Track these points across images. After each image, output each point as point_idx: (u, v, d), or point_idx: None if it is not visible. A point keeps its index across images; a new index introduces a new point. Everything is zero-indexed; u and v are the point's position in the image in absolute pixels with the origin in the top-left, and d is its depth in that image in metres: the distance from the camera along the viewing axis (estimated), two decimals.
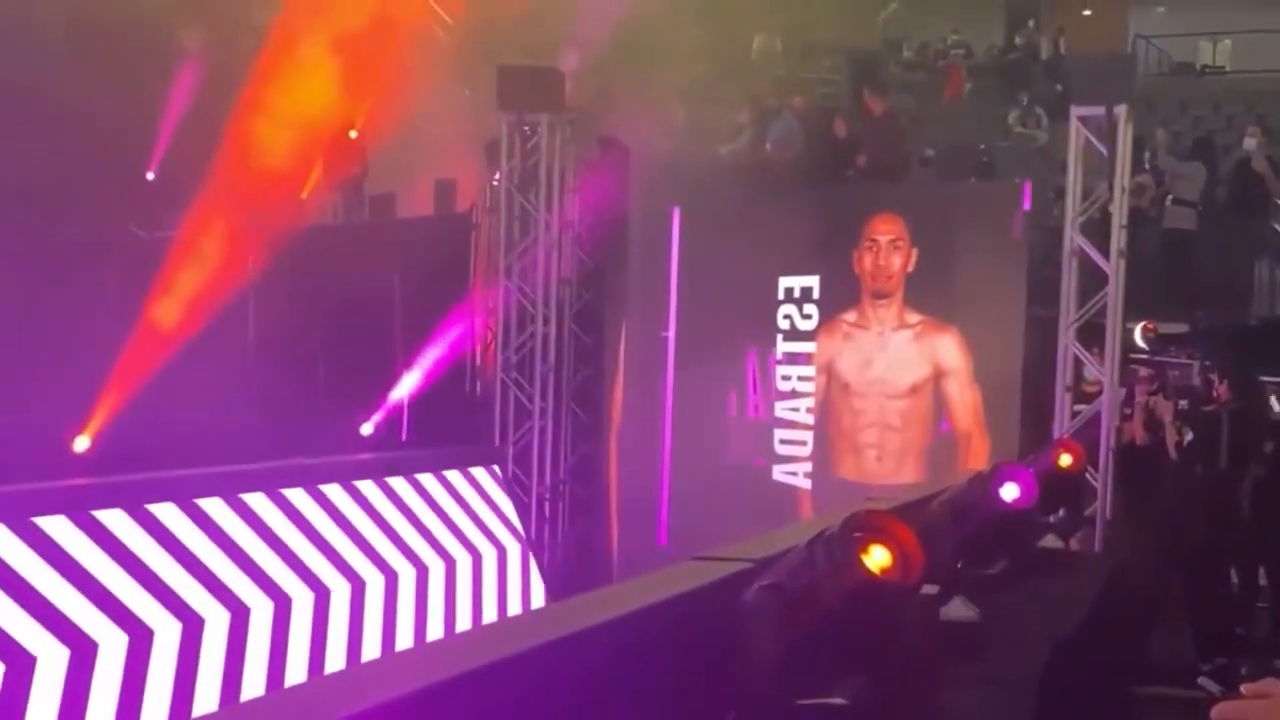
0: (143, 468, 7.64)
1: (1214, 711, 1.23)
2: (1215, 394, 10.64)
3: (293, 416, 11.58)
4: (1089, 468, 8.72)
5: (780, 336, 10.49)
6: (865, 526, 2.74)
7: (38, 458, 9.07)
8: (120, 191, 14.81)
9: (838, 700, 2.80)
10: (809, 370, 10.32)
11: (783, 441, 10.50)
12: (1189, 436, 10.05)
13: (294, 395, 11.82)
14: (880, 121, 12.45)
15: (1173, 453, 9.90)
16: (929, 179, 13.29)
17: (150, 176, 14.61)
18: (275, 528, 7.13)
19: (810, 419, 10.33)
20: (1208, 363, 11.04)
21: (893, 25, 22.38)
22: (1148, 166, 14.01)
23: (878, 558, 2.72)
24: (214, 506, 6.78)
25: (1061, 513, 6.24)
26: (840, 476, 10.08)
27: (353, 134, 13.82)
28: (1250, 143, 14.31)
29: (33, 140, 14.03)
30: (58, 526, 5.88)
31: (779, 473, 10.51)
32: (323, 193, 14.01)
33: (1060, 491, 6.04)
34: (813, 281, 10.35)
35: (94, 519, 6.09)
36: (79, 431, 9.99)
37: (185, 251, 11.49)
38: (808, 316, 10.38)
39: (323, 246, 11.88)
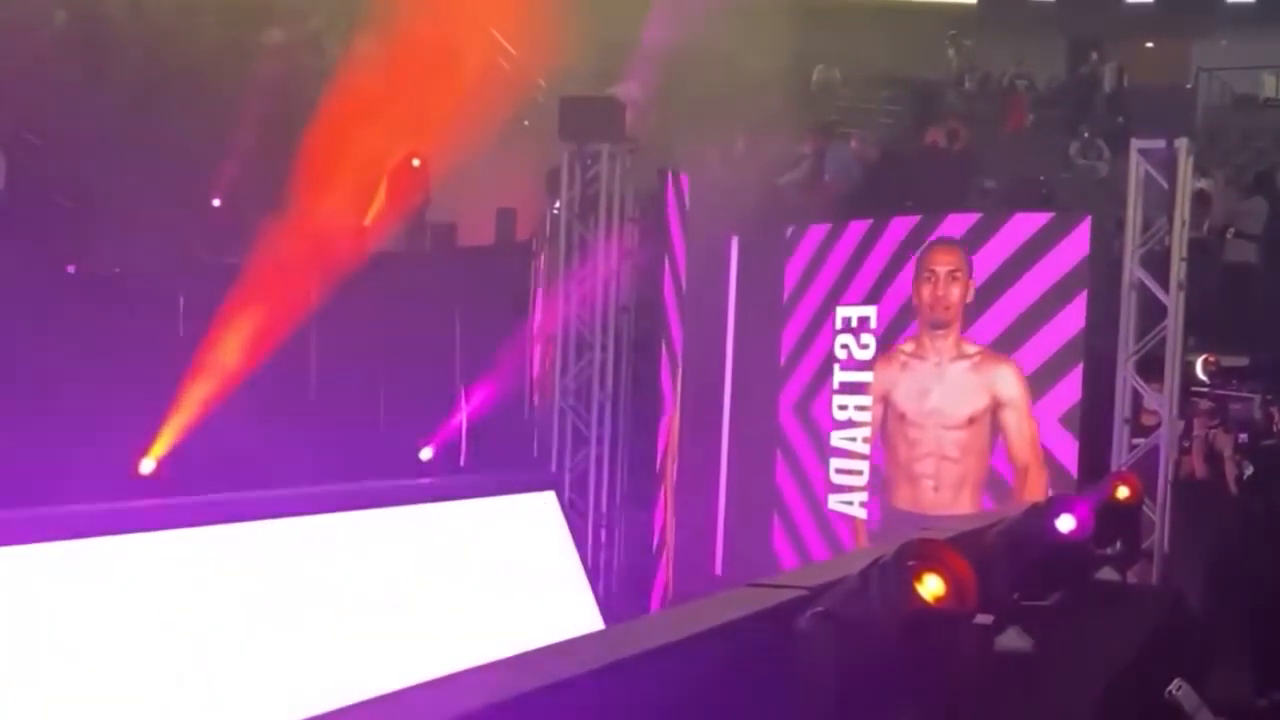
0: (206, 490, 7.76)
1: None
2: (1276, 428, 10.57)
3: (353, 441, 11.70)
4: (1147, 500, 8.68)
5: (837, 366, 10.52)
6: (920, 555, 2.78)
7: (104, 480, 9.21)
8: (188, 218, 15.04)
9: None
10: (866, 400, 10.33)
11: (838, 471, 10.51)
12: (1249, 470, 9.99)
13: (355, 420, 11.94)
14: (950, 150, 12.48)
15: (1232, 486, 9.84)
16: (990, 210, 13.27)
17: (216, 203, 14.83)
18: (330, 551, 7.22)
19: (866, 449, 10.34)
20: (1269, 397, 10.96)
21: (963, 58, 22.40)
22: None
23: (932, 586, 2.75)
24: (272, 529, 6.88)
25: (1118, 545, 6.23)
26: (896, 507, 10.07)
27: (416, 163, 13.98)
28: None
29: (103, 165, 14.29)
30: (122, 546, 5.99)
31: (835, 502, 10.51)
32: (386, 221, 14.17)
33: (1117, 524, 6.03)
34: (870, 311, 10.37)
35: (155, 539, 6.20)
36: (144, 454, 10.14)
37: (250, 278, 11.65)
38: (865, 346, 10.40)
39: (385, 274, 12.02)
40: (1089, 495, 5.71)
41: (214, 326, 11.06)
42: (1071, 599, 5.15)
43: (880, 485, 10.22)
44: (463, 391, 11.52)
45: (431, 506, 8.24)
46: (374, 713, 1.97)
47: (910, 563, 2.74)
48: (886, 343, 10.24)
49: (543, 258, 11.75)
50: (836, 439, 10.51)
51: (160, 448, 10.18)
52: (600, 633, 2.93)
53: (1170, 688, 3.74)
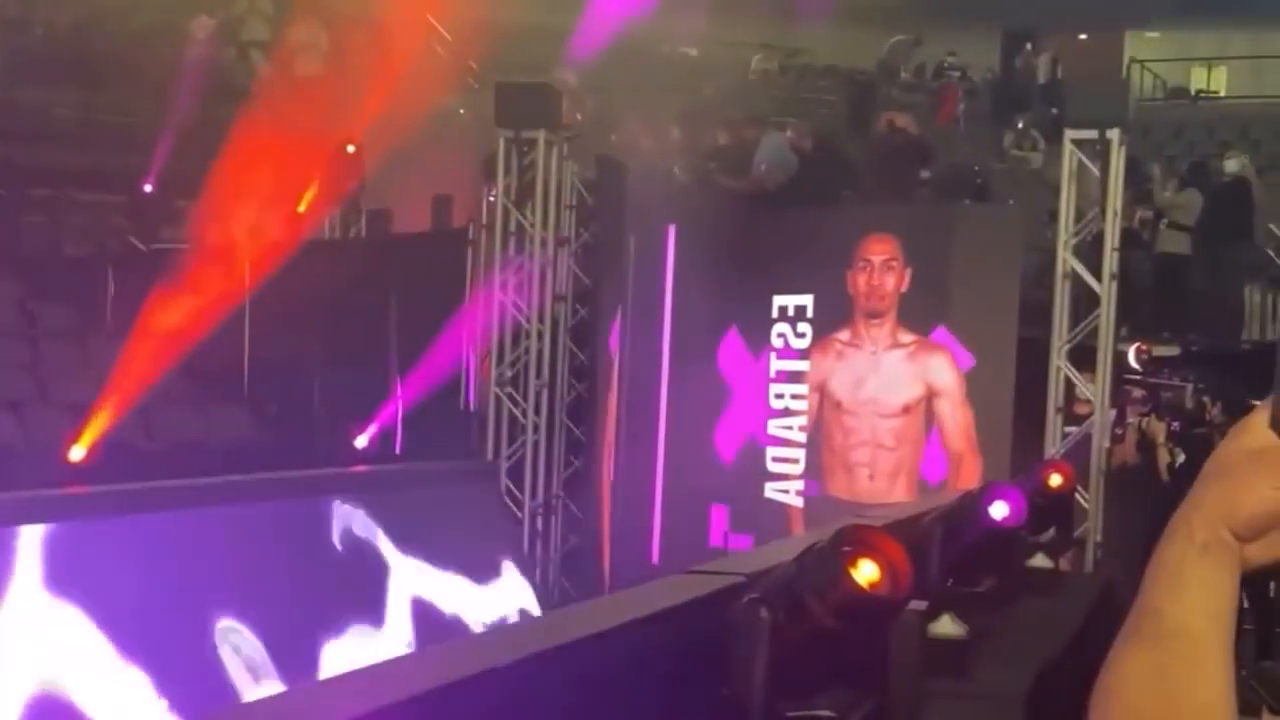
0: (137, 478, 7.67)
1: None
2: (1208, 416, 10.70)
3: (288, 428, 11.61)
4: (1080, 488, 8.76)
5: (774, 355, 10.53)
6: (854, 541, 2.78)
7: (34, 467, 9.09)
8: (119, 203, 14.87)
9: (825, 713, 2.83)
10: (802, 389, 10.35)
11: (775, 459, 10.53)
12: (1180, 458, 10.10)
13: (289, 407, 11.85)
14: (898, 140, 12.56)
15: (1164, 474, 9.95)
16: (924, 200, 13.36)
17: (148, 189, 14.66)
18: (267, 539, 7.17)
19: (803, 437, 10.36)
20: (1201, 385, 11.09)
21: (898, 51, 22.49)
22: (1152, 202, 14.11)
23: (866, 572, 2.75)
24: (206, 517, 6.81)
25: (1052, 533, 6.28)
26: (832, 495, 10.11)
27: (350, 149, 13.88)
28: (1232, 163, 14.40)
29: (32, 151, 14.09)
30: (47, 534, 5.91)
31: (771, 490, 10.54)
32: (319, 207, 14.06)
33: (1050, 511, 6.07)
34: (806, 300, 10.39)
35: (87, 527, 6.12)
36: (75, 441, 10.01)
37: (182, 263, 11.53)
38: (801, 335, 10.42)
39: (319, 261, 11.92)
40: (1022, 482, 5.75)
41: (145, 312, 10.94)
42: (1005, 586, 5.18)
43: (816, 473, 10.25)
44: (398, 379, 11.47)
45: (366, 494, 8.19)
46: (295, 703, 1.95)
47: (845, 548, 2.73)
48: (823, 331, 10.27)
49: (479, 245, 11.71)
50: (773, 427, 10.53)
51: (91, 435, 10.06)
52: (534, 620, 2.92)
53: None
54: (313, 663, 6.90)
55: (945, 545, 4.38)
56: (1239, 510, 1.20)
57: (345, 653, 7.20)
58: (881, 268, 9.92)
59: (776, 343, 10.51)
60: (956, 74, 22.29)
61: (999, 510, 4.75)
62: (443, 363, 11.41)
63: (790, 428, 10.46)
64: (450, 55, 16.24)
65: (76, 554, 5.99)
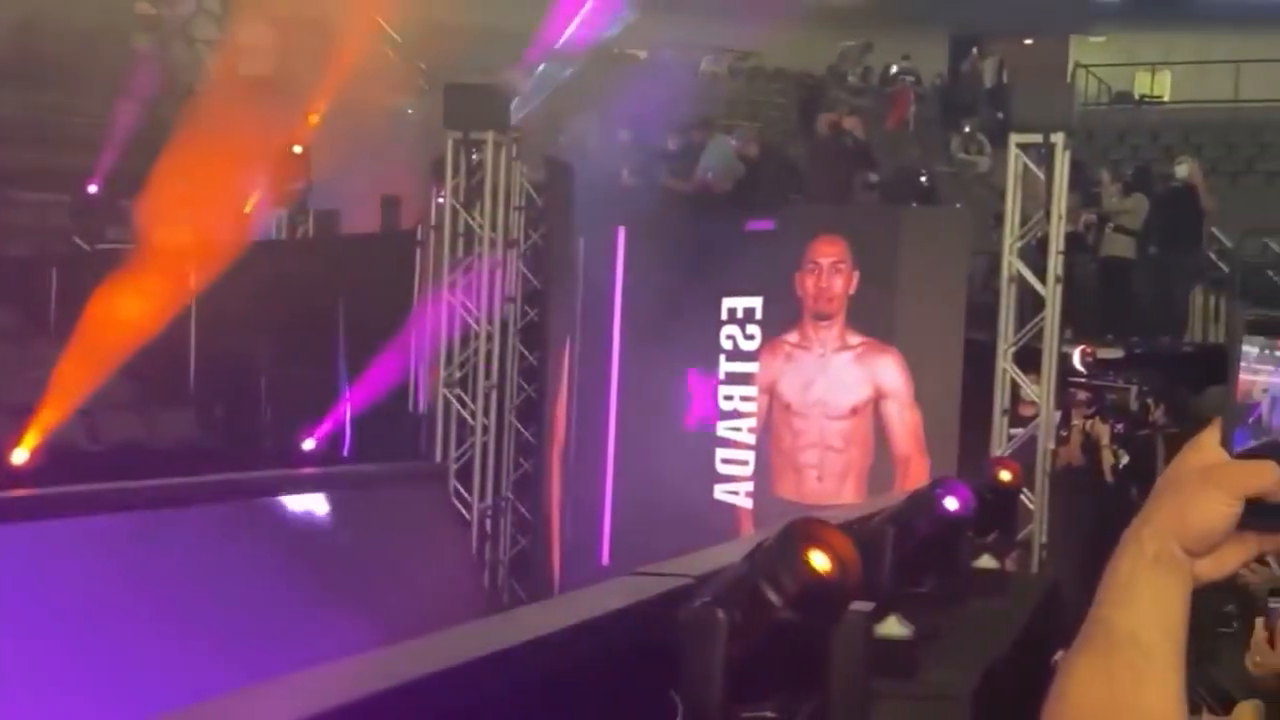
0: (81, 480, 7.60)
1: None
2: (1151, 418, 10.80)
3: (234, 430, 11.54)
4: (1026, 489, 8.82)
5: (723, 356, 10.55)
6: (806, 531, 2.77)
7: None
8: (62, 203, 14.73)
9: (769, 715, 2.84)
10: (751, 390, 10.38)
11: (724, 461, 10.55)
12: (1124, 459, 10.20)
13: (235, 409, 11.78)
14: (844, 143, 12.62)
15: (1108, 475, 10.04)
16: (872, 203, 13.43)
17: (93, 189, 14.53)
18: (213, 541, 7.11)
19: (752, 439, 10.39)
20: (1145, 387, 11.19)
21: (848, 56, 22.59)
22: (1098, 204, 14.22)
23: (819, 562, 2.75)
24: (151, 519, 6.75)
25: (997, 534, 6.31)
26: (780, 496, 10.14)
27: (297, 149, 13.80)
28: (1182, 168, 14.53)
29: None
30: None
31: (720, 492, 10.56)
32: (266, 208, 13.98)
33: (998, 508, 6.10)
34: (756, 303, 10.42)
35: (30, 530, 6.06)
36: (17, 444, 9.91)
37: (127, 264, 11.43)
38: (750, 337, 10.44)
39: (266, 262, 11.85)
40: (971, 479, 5.78)
41: (88, 313, 10.84)
42: (951, 586, 5.20)
43: (765, 474, 10.28)
44: (346, 380, 11.41)
45: (314, 497, 8.15)
46: (241, 705, 1.93)
47: (798, 537, 2.73)
48: (772, 333, 10.29)
49: (428, 246, 11.67)
50: (722, 429, 10.56)
51: (33, 437, 9.96)
52: (478, 623, 2.90)
53: (1055, 657, 3.80)
54: (259, 665, 6.85)
55: (896, 545, 4.40)
56: (1189, 525, 1.22)
57: (292, 655, 7.16)
58: (830, 270, 9.96)
59: (726, 345, 10.54)
60: (910, 78, 22.40)
61: (951, 503, 4.76)
62: (391, 365, 11.37)
63: (739, 429, 10.48)
64: (399, 56, 16.19)
65: (19, 557, 5.93)
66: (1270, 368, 1.20)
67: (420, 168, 12.90)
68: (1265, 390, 1.20)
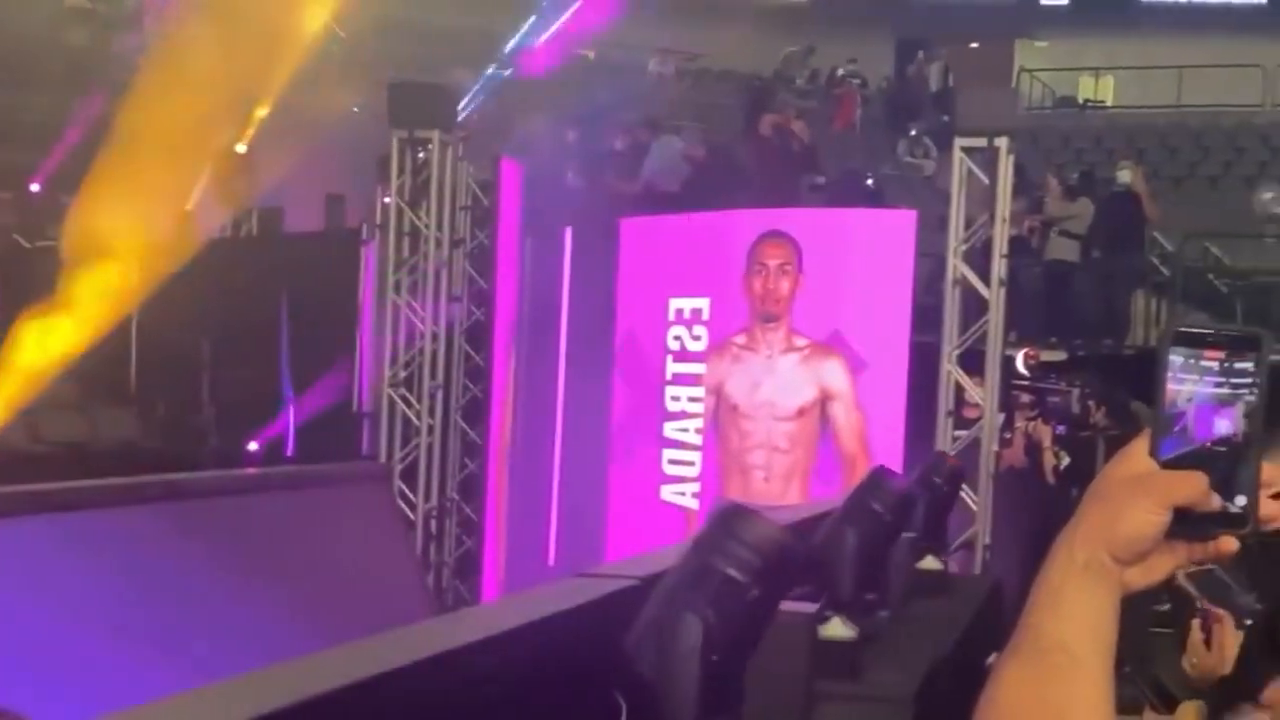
0: (21, 480, 7.51)
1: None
2: (1092, 420, 10.90)
3: (176, 429, 11.44)
4: (969, 491, 8.88)
5: (670, 357, 10.56)
6: (737, 509, 2.74)
7: None
8: (4, 200, 14.56)
9: None
10: (698, 391, 10.39)
11: (671, 462, 10.56)
12: (1066, 461, 10.29)
13: (177, 408, 11.68)
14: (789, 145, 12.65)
15: (1050, 476, 10.12)
16: (819, 205, 13.48)
17: (35, 187, 14.38)
18: (155, 542, 7.05)
19: (699, 440, 10.40)
20: (1086, 390, 11.30)
21: (792, 61, 22.69)
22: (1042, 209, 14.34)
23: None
24: (92, 520, 6.69)
25: (927, 527, 6.36)
26: (727, 497, 10.15)
27: (240, 147, 13.70)
28: (1125, 174, 14.68)
29: None
30: None
31: (667, 493, 10.56)
32: (209, 206, 13.86)
33: (937, 502, 6.15)
34: (703, 303, 10.43)
35: None
36: None
37: (67, 262, 11.31)
38: (697, 338, 10.46)
39: (209, 260, 11.76)
40: (912, 470, 5.83)
41: (29, 312, 10.72)
42: (895, 588, 5.23)
43: (712, 475, 10.29)
44: (289, 381, 11.34)
45: (257, 497, 8.09)
46: (182, 708, 1.91)
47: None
48: (719, 334, 10.31)
49: (373, 245, 11.62)
50: (669, 430, 10.56)
51: None
52: (420, 626, 2.88)
53: (989, 660, 3.82)
54: (201, 667, 6.80)
55: (857, 548, 4.43)
56: (1117, 533, 1.23)
57: (236, 658, 7.11)
58: (776, 271, 9.98)
59: (673, 345, 10.55)
60: (856, 81, 22.51)
61: (889, 500, 4.78)
62: (335, 364, 11.31)
63: (686, 430, 10.49)
64: (345, 54, 16.10)
65: None
66: (1195, 377, 1.22)
67: (366, 166, 12.85)
68: (1190, 399, 1.22)
